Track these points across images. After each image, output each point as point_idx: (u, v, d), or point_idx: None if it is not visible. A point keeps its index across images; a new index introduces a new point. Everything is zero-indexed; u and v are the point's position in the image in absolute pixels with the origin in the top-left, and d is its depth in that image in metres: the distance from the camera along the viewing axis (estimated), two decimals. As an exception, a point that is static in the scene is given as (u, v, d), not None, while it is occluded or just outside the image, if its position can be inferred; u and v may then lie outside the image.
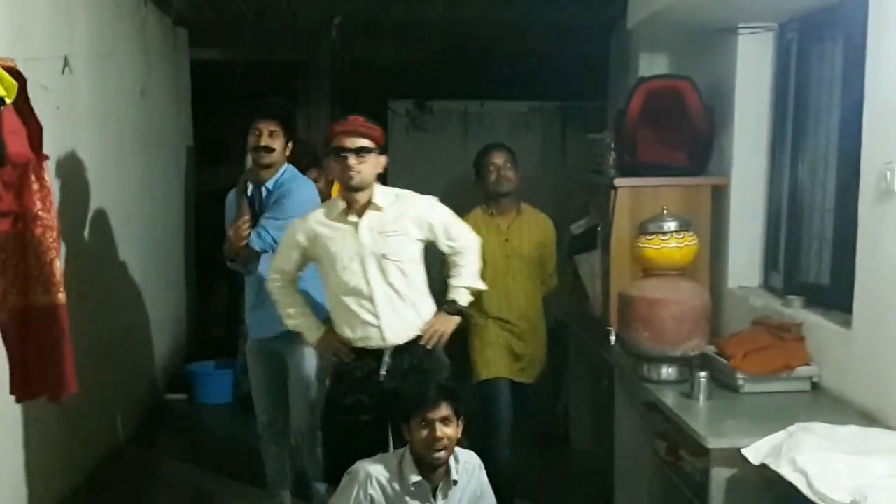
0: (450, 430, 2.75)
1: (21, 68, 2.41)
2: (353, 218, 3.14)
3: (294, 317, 3.33)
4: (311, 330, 3.32)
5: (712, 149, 3.93)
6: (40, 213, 2.54)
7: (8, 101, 2.16)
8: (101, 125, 4.39)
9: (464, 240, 3.28)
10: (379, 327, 3.13)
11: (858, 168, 2.92)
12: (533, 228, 4.06)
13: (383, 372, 3.14)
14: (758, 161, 3.83)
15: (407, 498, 2.78)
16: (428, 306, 3.25)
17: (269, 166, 3.67)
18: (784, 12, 3.59)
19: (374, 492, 2.78)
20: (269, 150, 3.59)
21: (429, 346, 3.19)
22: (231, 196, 3.82)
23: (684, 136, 3.92)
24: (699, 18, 3.77)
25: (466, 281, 3.28)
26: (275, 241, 3.45)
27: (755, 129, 3.82)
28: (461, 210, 3.60)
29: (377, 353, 3.16)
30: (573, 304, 4.51)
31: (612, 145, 4.08)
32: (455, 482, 2.83)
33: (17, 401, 2.89)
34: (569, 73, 6.50)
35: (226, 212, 3.82)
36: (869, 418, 2.75)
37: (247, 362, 4.00)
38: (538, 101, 6.96)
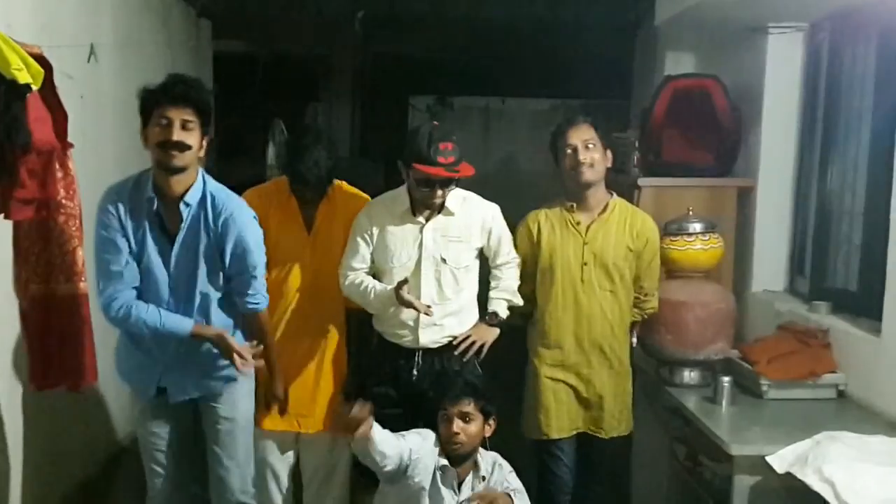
0: (471, 428, 2.74)
1: (47, 56, 2.40)
2: (419, 218, 3.09)
3: (379, 300, 3.08)
4: (391, 298, 3.02)
5: (739, 149, 3.88)
6: (64, 201, 2.54)
7: (34, 87, 2.15)
8: (124, 115, 4.36)
9: (510, 255, 3.24)
10: (416, 329, 3.09)
11: (890, 171, 2.87)
12: (625, 229, 3.14)
13: (415, 372, 3.11)
14: (785, 163, 3.78)
15: (441, 482, 2.76)
16: (472, 317, 3.18)
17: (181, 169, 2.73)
18: (815, 12, 3.54)
19: (423, 455, 2.76)
20: (183, 146, 2.61)
21: (463, 357, 3.12)
22: (110, 208, 2.70)
23: (711, 136, 3.87)
24: (728, 17, 3.73)
25: (507, 293, 3.23)
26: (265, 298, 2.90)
27: (783, 130, 3.77)
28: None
29: (409, 352, 3.13)
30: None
31: (637, 144, 4.04)
32: (483, 478, 2.80)
33: (36, 389, 2.89)
34: (592, 71, 6.46)
35: (98, 236, 2.71)
36: (897, 428, 2.71)
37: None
38: (560, 99, 6.93)
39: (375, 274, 3.15)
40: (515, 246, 3.18)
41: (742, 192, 3.85)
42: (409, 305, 2.95)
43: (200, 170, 2.73)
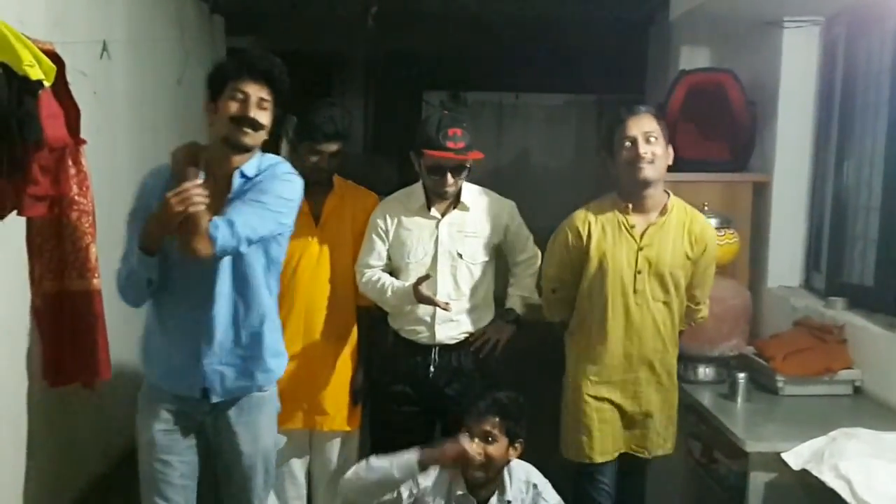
0: (492, 449, 2.59)
1: (60, 53, 2.41)
2: (434, 213, 3.09)
3: (396, 296, 3.06)
4: (408, 294, 3.00)
5: (754, 145, 3.85)
6: (77, 197, 2.54)
7: (47, 83, 2.15)
8: (137, 112, 4.39)
9: (530, 251, 3.23)
10: (432, 325, 3.08)
11: (907, 167, 2.84)
12: (683, 234, 2.84)
13: (432, 368, 3.10)
14: (801, 158, 3.75)
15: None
16: (488, 313, 3.18)
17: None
18: (830, 5, 3.51)
19: (429, 483, 2.65)
20: (258, 125, 2.43)
21: (480, 353, 3.11)
22: (150, 183, 2.53)
23: (726, 131, 3.84)
24: (743, 11, 3.70)
25: (525, 291, 3.22)
26: (250, 242, 2.40)
27: (799, 125, 3.73)
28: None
29: (425, 349, 3.12)
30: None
31: (651, 140, 4.01)
32: (509, 502, 2.67)
33: (50, 386, 2.90)
34: (606, 66, 6.42)
35: (136, 203, 2.51)
36: (914, 425, 2.68)
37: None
38: (574, 94, 6.90)
39: (392, 271, 3.14)
40: (554, 247, 2.92)
41: (757, 188, 3.82)
42: (428, 301, 2.94)
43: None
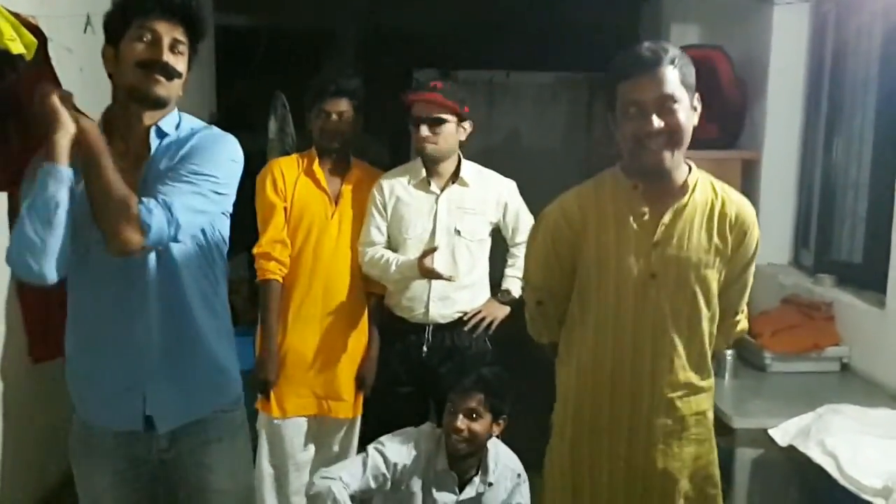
0: (476, 425, 2.62)
1: (44, 27, 2.37)
2: (434, 189, 3.06)
3: (400, 270, 2.99)
4: (412, 268, 2.94)
5: (744, 122, 3.84)
6: (60, 173, 2.50)
7: (27, 57, 2.12)
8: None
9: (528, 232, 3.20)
10: (426, 303, 3.06)
11: (895, 144, 2.83)
12: (714, 220, 2.06)
13: (425, 348, 3.09)
14: (790, 135, 3.74)
15: (433, 486, 2.67)
16: (483, 293, 3.15)
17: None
18: (822, -18, 3.50)
19: (408, 461, 2.66)
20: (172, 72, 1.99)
21: (473, 332, 3.09)
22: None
23: (715, 108, 3.78)
24: (735, -13, 3.68)
25: (521, 272, 3.20)
26: (191, 230, 1.96)
27: (789, 102, 3.72)
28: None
29: (418, 328, 3.10)
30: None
31: (641, 117, 4.00)
32: (491, 484, 2.69)
33: (35, 361, 2.88)
34: (597, 44, 6.38)
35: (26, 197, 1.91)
36: (901, 401, 2.69)
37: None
38: (566, 72, 6.86)
39: (390, 247, 3.10)
40: (537, 244, 2.27)
41: (747, 165, 3.81)
42: (434, 275, 2.91)
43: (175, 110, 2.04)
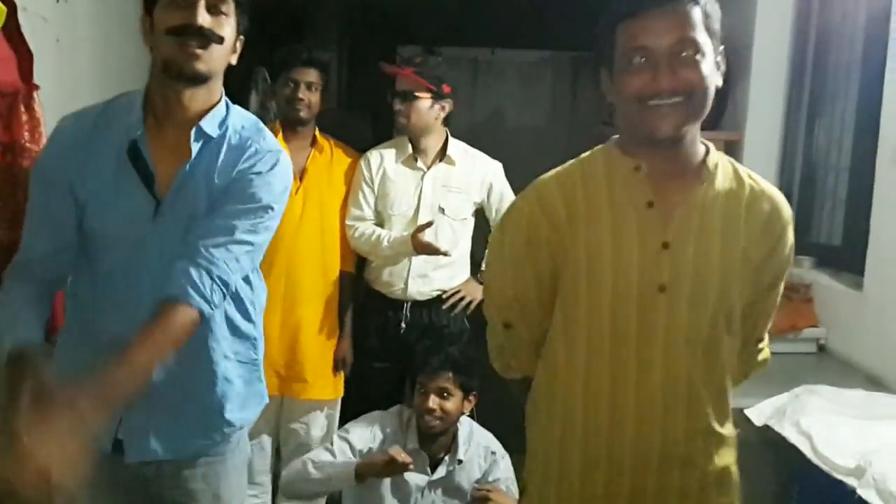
0: (448, 404, 2.63)
1: (16, -3, 2.32)
2: (420, 166, 3.06)
3: (392, 246, 2.97)
4: (405, 244, 2.94)
5: (726, 103, 3.83)
6: (28, 144, 2.45)
7: (-2, 27, 2.08)
8: (102, 60, 4.28)
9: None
10: (405, 279, 3.05)
11: (877, 127, 2.84)
12: (740, 214, 1.58)
13: (403, 325, 3.07)
14: (773, 117, 3.73)
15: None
16: (463, 272, 3.16)
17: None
18: (807, -37, 3.48)
19: (376, 445, 2.67)
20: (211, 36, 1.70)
21: (451, 311, 3.10)
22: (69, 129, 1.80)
23: (698, 89, 3.81)
24: (719, -33, 3.65)
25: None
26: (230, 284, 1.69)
27: (772, 83, 3.71)
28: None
29: (397, 304, 3.09)
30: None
31: (624, 97, 3.98)
32: (460, 461, 2.69)
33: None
34: (583, 23, 6.34)
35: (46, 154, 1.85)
36: (876, 382, 2.70)
37: None
38: (551, 51, 6.83)
39: (379, 224, 3.08)
40: (504, 245, 1.70)
41: (728, 146, 3.79)
42: (429, 249, 2.89)
43: (222, 93, 1.78)
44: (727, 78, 3.98)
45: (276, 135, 2.97)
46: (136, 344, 1.50)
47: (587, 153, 1.68)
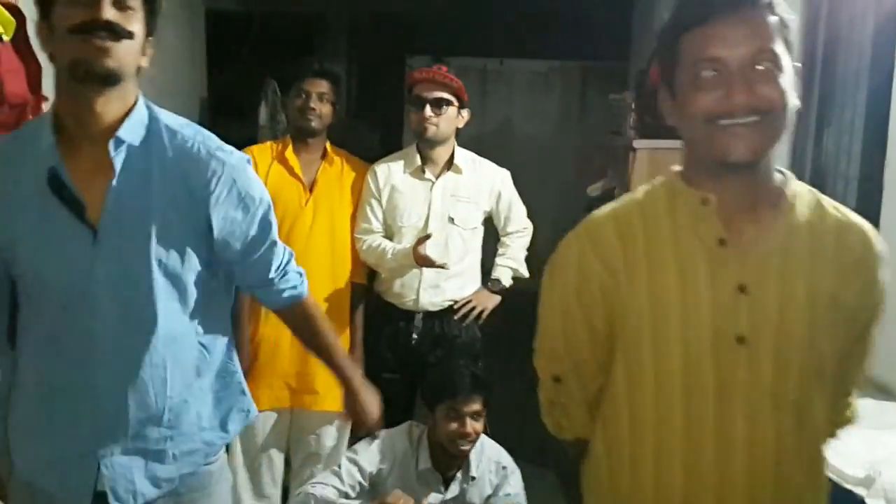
0: (479, 426, 2.61)
1: (23, 7, 2.34)
2: (429, 176, 3.05)
3: (396, 258, 2.97)
4: (408, 256, 2.93)
5: (735, 112, 3.82)
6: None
7: (6, 38, 2.09)
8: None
9: (522, 222, 3.18)
10: (417, 290, 3.04)
11: (885, 135, 2.82)
12: (825, 255, 1.39)
13: (415, 336, 3.06)
14: (781, 125, 3.72)
15: (416, 487, 2.63)
16: (474, 281, 3.15)
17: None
18: (815, -29, 3.47)
19: (385, 466, 2.64)
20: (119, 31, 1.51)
21: (463, 321, 3.08)
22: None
23: (707, 98, 3.81)
24: (727, -24, 3.65)
25: (513, 262, 3.18)
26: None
27: (780, 92, 3.70)
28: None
29: (408, 315, 3.08)
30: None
31: (633, 106, 3.98)
32: (473, 478, 2.67)
33: (14, 349, 2.84)
34: (591, 33, 6.37)
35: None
36: (885, 392, 2.68)
37: None
38: (559, 61, 6.85)
39: (388, 237, 3.08)
40: (554, 294, 1.50)
41: (737, 155, 3.80)
42: (427, 262, 2.88)
43: (140, 93, 1.62)
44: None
45: (286, 147, 2.99)
46: (318, 334, 1.89)
47: (645, 186, 1.44)
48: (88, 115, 1.53)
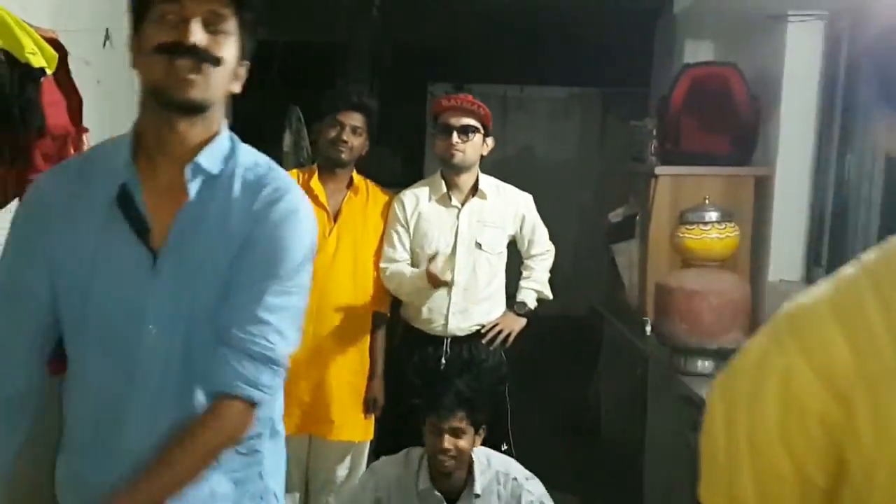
0: (462, 442, 2.59)
1: (63, 41, 2.40)
2: (455, 203, 3.09)
3: (413, 281, 3.01)
4: (422, 277, 2.97)
5: (757, 139, 3.85)
6: (78, 186, 2.53)
7: (49, 71, 2.16)
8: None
9: (545, 244, 3.22)
10: (446, 315, 3.07)
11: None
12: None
13: (443, 360, 3.09)
14: (803, 152, 3.74)
15: (417, 502, 2.65)
16: (500, 305, 3.18)
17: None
18: (835, 0, 3.50)
19: (382, 494, 2.67)
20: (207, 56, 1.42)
21: (490, 345, 3.10)
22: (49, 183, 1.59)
23: (729, 124, 3.84)
24: (747, 5, 3.70)
25: (538, 285, 3.21)
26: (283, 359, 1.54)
27: (802, 119, 3.73)
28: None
29: (436, 340, 3.11)
30: (609, 293, 4.46)
31: (654, 133, 4.02)
32: (477, 496, 2.66)
33: (52, 374, 2.89)
34: (611, 59, 6.41)
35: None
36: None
37: None
38: (579, 87, 6.89)
39: (415, 265, 3.10)
40: (737, 428, 0.90)
41: (759, 181, 3.81)
42: (436, 280, 2.91)
43: (225, 125, 1.53)
44: (758, 114, 4.03)
45: (311, 176, 3.03)
46: (179, 444, 1.37)
47: (876, 255, 0.93)
48: (170, 137, 1.45)
